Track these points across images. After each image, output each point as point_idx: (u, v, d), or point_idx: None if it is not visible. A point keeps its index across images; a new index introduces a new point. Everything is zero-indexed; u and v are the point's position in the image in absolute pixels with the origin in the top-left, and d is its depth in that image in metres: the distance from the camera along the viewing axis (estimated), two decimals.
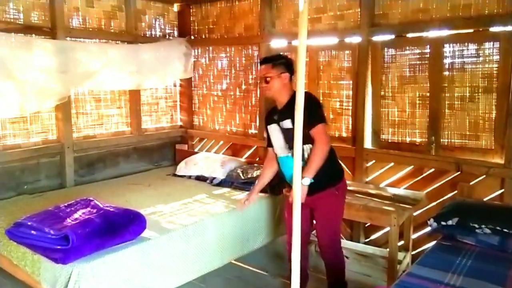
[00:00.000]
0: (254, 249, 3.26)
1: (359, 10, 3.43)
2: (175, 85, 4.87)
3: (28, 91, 3.38)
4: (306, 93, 2.16)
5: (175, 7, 4.69)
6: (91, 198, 2.79)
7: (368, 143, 3.47)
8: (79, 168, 3.94)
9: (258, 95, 4.16)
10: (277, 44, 4.00)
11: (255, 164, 3.92)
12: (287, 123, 2.42)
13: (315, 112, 2.36)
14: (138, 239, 2.51)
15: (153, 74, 4.31)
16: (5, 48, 3.20)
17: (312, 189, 2.37)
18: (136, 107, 4.40)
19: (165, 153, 4.74)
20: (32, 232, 2.45)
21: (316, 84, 3.74)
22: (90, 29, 3.96)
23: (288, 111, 2.33)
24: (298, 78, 1.52)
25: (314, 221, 2.64)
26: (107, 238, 2.38)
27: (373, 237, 3.50)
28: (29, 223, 2.52)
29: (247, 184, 3.54)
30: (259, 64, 2.67)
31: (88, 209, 2.65)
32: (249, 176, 3.68)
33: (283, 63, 2.50)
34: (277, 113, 2.52)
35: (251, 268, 3.28)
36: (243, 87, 4.35)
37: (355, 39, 3.48)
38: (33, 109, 3.54)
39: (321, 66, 3.71)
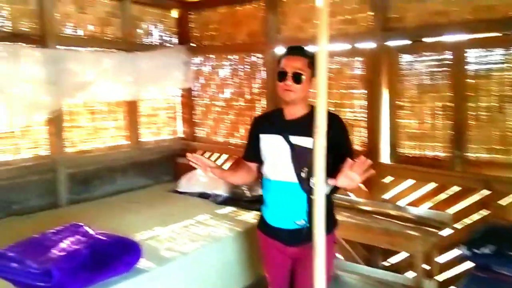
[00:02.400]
0: (262, 277, 2.97)
1: (371, 13, 3.17)
2: (175, 95, 4.61)
3: (16, 104, 3.14)
4: (336, 115, 1.89)
5: (174, 13, 4.45)
6: (81, 224, 2.53)
7: (384, 158, 3.19)
8: (73, 185, 3.67)
9: (266, 105, 3.89)
10: (283, 50, 3.74)
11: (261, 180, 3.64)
12: (303, 141, 1.81)
13: (349, 141, 1.95)
14: (133, 272, 2.23)
15: (151, 84, 4.06)
16: None
17: (305, 236, 1.70)
18: (134, 118, 4.14)
19: (165, 167, 4.46)
20: (13, 265, 2.18)
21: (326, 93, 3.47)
22: (83, 37, 3.71)
23: (305, 126, 1.63)
24: (319, 89, 1.22)
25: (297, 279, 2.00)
26: (97, 272, 2.11)
27: (392, 260, 3.20)
28: (10, 254, 2.25)
29: (253, 203, 3.26)
30: (286, 53, 1.91)
31: (77, 237, 2.38)
32: (254, 193, 3.41)
33: (314, 63, 1.78)
34: (283, 123, 1.90)
35: None
36: (248, 96, 4.08)
37: (368, 45, 3.22)
38: (22, 123, 3.30)
39: (331, 74, 3.44)
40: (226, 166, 4.22)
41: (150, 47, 4.17)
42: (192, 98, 4.55)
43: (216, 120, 4.38)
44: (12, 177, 3.32)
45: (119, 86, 3.80)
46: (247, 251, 2.85)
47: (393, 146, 3.17)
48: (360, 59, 3.29)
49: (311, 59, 1.80)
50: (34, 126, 3.47)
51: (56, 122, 3.50)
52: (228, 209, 3.36)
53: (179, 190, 3.88)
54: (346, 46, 3.36)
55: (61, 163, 3.55)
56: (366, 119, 3.28)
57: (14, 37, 3.25)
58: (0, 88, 3.03)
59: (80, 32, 3.69)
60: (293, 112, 1.90)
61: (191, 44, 4.43)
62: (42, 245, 2.31)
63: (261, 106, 3.96)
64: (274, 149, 1.90)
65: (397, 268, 3.13)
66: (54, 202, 3.55)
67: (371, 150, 3.21)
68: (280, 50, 3.74)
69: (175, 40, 4.49)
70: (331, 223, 1.89)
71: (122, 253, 2.24)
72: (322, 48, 1.17)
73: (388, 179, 3.20)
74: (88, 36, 3.75)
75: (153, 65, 4.02)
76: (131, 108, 4.10)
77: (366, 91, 3.27)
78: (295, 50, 1.88)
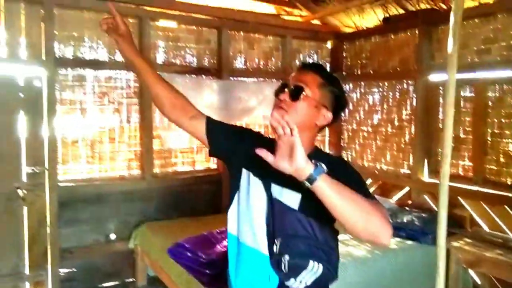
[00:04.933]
0: None
1: None
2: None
3: None
4: (341, 159, 1.45)
5: (329, 44, 4.78)
6: None
7: None
8: None
9: (414, 132, 3.86)
10: (436, 78, 3.68)
11: (407, 208, 3.61)
12: (287, 196, 1.24)
13: (363, 185, 1.25)
14: None
15: None
16: (181, 87, 3.67)
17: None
18: None
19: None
20: (188, 253, 2.73)
21: (484, 122, 3.28)
22: (250, 69, 4.32)
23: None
24: (446, 119, 1.30)
25: None
26: None
27: None
28: (186, 245, 2.82)
29: (395, 229, 3.27)
30: (298, 67, 1.37)
31: None
32: (399, 220, 3.40)
33: (335, 94, 1.31)
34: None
35: None
36: (396, 123, 4.10)
37: None
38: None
39: (490, 102, 3.24)
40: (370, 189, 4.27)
41: None
42: (340, 123, 4.77)
43: (363, 145, 4.50)
44: (188, 184, 4.05)
45: None
46: (388, 274, 2.88)
47: None
48: None
49: (328, 82, 1.30)
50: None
51: None
52: None
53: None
54: (508, 73, 3.13)
55: (226, 176, 4.16)
56: None
57: (198, 70, 4.02)
58: None
59: (248, 65, 4.32)
60: None
61: (343, 73, 4.68)
62: (209, 240, 2.83)
63: (410, 133, 3.94)
64: (250, 197, 1.32)
65: None
66: (218, 208, 4.17)
67: None
68: (433, 77, 3.70)
69: (328, 68, 4.80)
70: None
71: None
72: (452, 76, 1.25)
73: None
74: (253, 68, 4.35)
75: None
76: None
77: None
78: (309, 64, 1.36)
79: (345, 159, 1.17)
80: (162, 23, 3.79)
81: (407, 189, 3.97)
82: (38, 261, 3.18)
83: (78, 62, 3.37)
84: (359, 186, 1.14)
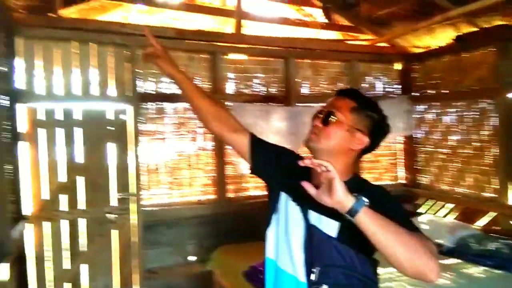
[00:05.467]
0: None
1: None
2: (396, 142, 4.78)
3: None
4: (378, 187, 1.30)
5: (397, 65, 4.71)
6: None
7: None
8: None
9: (498, 153, 3.62)
10: None
11: (491, 234, 3.36)
12: (325, 224, 1.21)
13: (403, 213, 1.19)
14: None
15: None
16: (250, 116, 3.89)
17: None
18: (356, 164, 4.49)
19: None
20: (261, 276, 2.78)
21: None
22: (316, 95, 4.38)
23: None
24: None
25: None
26: None
27: None
28: (261, 268, 2.87)
29: (481, 257, 3.06)
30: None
31: None
32: (485, 248, 3.17)
33: (373, 119, 1.29)
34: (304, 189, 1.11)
35: None
36: (476, 144, 3.88)
37: None
38: None
39: None
40: (451, 217, 4.05)
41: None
42: (414, 145, 4.61)
43: (440, 168, 4.29)
44: (259, 207, 4.08)
45: None
46: None
47: None
48: None
49: (362, 106, 1.29)
50: None
51: None
52: (452, 261, 3.23)
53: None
54: None
55: None
56: None
57: (266, 98, 4.16)
58: None
59: (314, 91, 4.39)
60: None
61: (414, 94, 4.56)
62: None
63: (491, 154, 3.70)
64: (289, 222, 1.31)
65: None
66: None
67: None
68: None
69: (398, 90, 4.72)
70: None
71: None
72: None
73: None
74: (320, 93, 4.40)
75: None
76: None
77: None
78: (346, 90, 1.35)
79: (385, 188, 1.13)
80: (232, 56, 4.03)
81: (493, 214, 3.69)
82: (125, 281, 3.42)
83: (158, 96, 3.68)
84: (403, 219, 1.11)
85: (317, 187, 1.08)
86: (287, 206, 1.32)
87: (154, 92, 3.67)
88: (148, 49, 1.48)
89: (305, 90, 4.35)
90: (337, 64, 4.45)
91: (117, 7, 3.74)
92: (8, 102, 2.85)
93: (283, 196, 1.35)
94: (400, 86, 4.71)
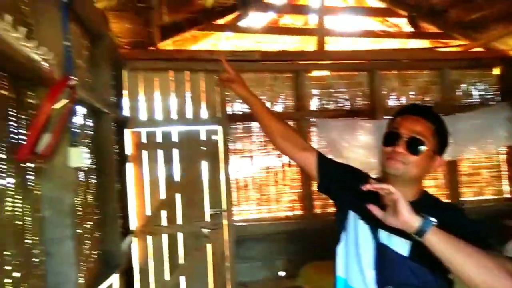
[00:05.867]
0: None
1: None
2: (499, 153, 4.37)
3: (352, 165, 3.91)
4: (452, 205, 1.36)
5: (495, 70, 4.34)
6: None
7: None
8: None
9: None
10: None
11: None
12: (396, 243, 1.20)
13: (481, 236, 1.15)
14: None
15: (471, 144, 4.06)
16: (334, 131, 3.88)
17: None
18: (454, 178, 4.21)
19: (488, 230, 4.21)
20: None
21: None
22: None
23: None
24: None
25: None
26: None
27: None
28: None
29: None
30: (404, 111, 1.31)
31: None
32: None
33: (444, 138, 1.27)
34: (375, 205, 1.15)
35: None
36: None
37: None
38: None
39: None
40: None
41: (469, 107, 4.22)
42: None
43: None
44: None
45: None
46: None
47: None
48: None
49: (438, 128, 1.25)
50: None
51: None
52: None
53: (506, 255, 3.58)
54: None
55: None
56: None
57: (351, 113, 4.12)
58: (342, 155, 3.89)
59: (402, 102, 4.23)
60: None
61: None
62: None
63: None
64: (359, 240, 1.30)
65: None
66: None
67: None
68: None
69: (497, 97, 4.34)
70: None
71: None
72: None
73: None
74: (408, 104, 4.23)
75: (473, 125, 4.03)
76: (451, 167, 4.21)
77: None
78: (419, 109, 1.27)
79: (458, 205, 1.12)
80: (315, 73, 4.08)
81: None
82: None
83: (245, 117, 3.86)
84: (476, 237, 1.09)
85: (386, 206, 1.10)
86: (356, 225, 1.32)
87: (241, 113, 3.86)
88: (223, 74, 1.60)
89: (392, 102, 4.22)
90: (426, 73, 4.26)
91: (208, 36, 4.04)
92: (117, 128, 3.23)
93: (352, 215, 1.35)
94: (499, 92, 4.33)
